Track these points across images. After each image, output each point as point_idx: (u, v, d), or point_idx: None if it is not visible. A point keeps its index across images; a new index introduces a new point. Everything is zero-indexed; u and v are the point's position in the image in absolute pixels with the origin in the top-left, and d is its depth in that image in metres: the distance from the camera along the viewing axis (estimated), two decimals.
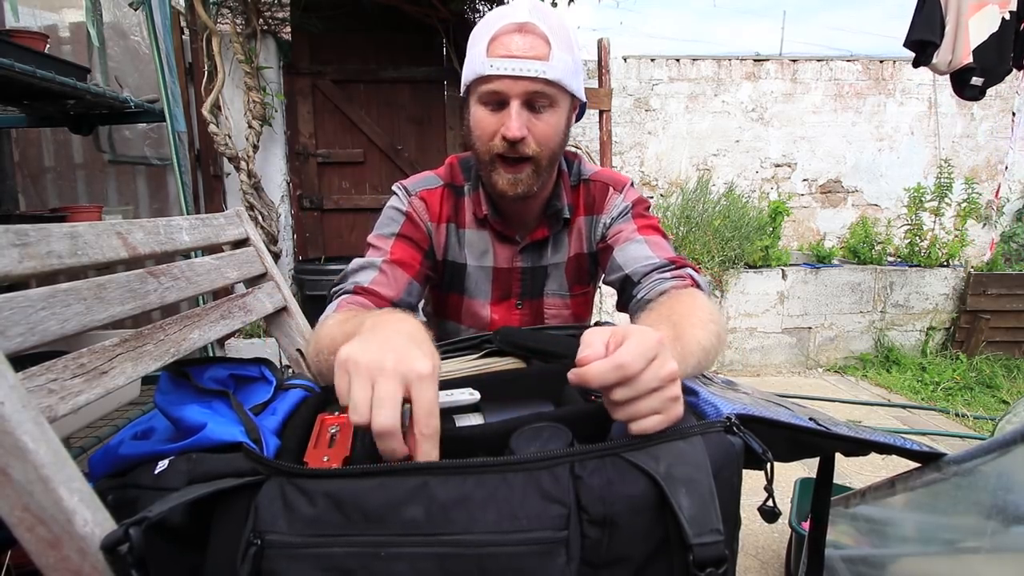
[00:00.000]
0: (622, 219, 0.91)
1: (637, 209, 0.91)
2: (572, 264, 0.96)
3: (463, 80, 0.82)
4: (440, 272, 0.95)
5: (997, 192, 3.42)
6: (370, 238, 0.90)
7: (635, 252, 0.85)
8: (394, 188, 0.93)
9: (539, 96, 0.76)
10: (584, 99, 0.85)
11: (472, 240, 0.93)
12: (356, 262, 0.87)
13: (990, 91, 2.73)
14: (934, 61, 2.61)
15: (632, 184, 0.95)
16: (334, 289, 0.86)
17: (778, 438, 0.49)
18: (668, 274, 0.81)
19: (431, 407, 0.41)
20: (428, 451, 0.41)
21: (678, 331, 0.60)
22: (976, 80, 2.61)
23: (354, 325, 0.64)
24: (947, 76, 2.69)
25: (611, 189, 0.93)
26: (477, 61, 0.76)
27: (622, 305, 0.90)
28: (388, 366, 0.42)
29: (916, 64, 2.69)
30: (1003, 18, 2.55)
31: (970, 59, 2.56)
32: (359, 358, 0.42)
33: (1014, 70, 2.68)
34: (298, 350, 1.03)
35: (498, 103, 0.77)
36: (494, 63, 0.73)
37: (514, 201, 0.83)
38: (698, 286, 0.79)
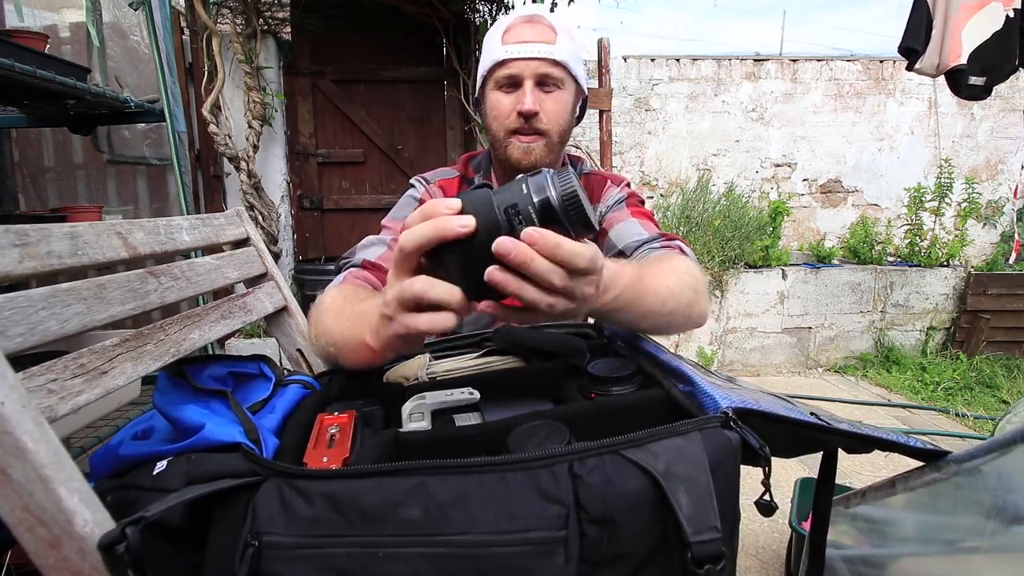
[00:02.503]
0: (616, 207, 0.96)
1: (631, 199, 0.97)
2: None
3: (479, 74, 0.90)
4: None
5: (1016, 192, 3.42)
6: (383, 221, 0.94)
7: (627, 230, 0.90)
8: (412, 180, 0.99)
9: (548, 76, 0.84)
10: (587, 92, 0.92)
11: None
12: (367, 239, 0.89)
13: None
14: (918, 66, 2.61)
15: (628, 183, 1.02)
16: (341, 262, 0.87)
17: (778, 433, 0.49)
18: (657, 244, 0.85)
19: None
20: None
21: (643, 272, 0.62)
22: (976, 80, 2.59)
23: (353, 308, 0.63)
24: (942, 77, 2.68)
25: (609, 182, 1.00)
26: (493, 51, 0.85)
27: None
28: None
29: (909, 68, 2.70)
30: (1007, 16, 2.53)
31: (960, 61, 2.55)
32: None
33: (1021, 69, 2.65)
34: (298, 350, 1.03)
35: (512, 84, 0.85)
36: (508, 48, 0.83)
37: (528, 171, 0.86)
38: (685, 255, 0.83)
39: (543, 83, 0.85)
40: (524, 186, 0.45)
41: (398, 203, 0.97)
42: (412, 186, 0.98)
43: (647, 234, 0.89)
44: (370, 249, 0.87)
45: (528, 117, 0.84)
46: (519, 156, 0.86)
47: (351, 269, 0.84)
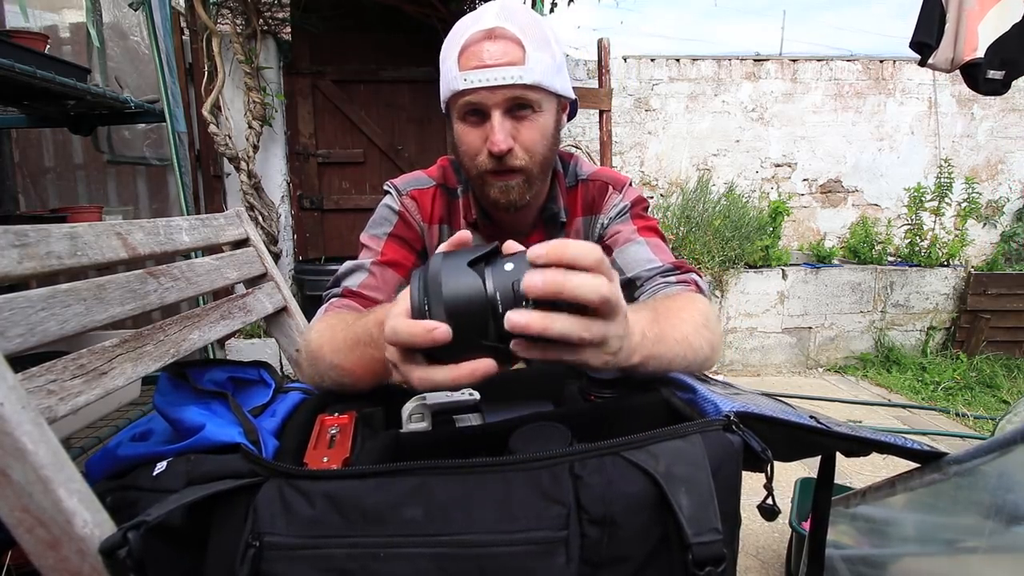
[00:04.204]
0: (620, 219, 0.88)
1: (636, 209, 0.89)
2: None
3: (441, 96, 0.79)
4: None
5: None
6: (363, 238, 0.88)
7: (637, 254, 0.82)
8: (386, 186, 0.91)
9: (520, 103, 0.72)
10: (573, 96, 0.82)
11: None
12: (347, 264, 0.85)
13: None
14: (931, 60, 2.57)
15: (631, 183, 0.92)
16: (325, 293, 0.84)
17: (778, 437, 0.49)
18: (673, 279, 0.78)
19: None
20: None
21: (659, 316, 0.57)
22: (994, 74, 2.53)
23: (345, 332, 0.62)
24: (955, 73, 2.62)
25: (610, 188, 0.90)
26: (450, 76, 0.73)
27: None
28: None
29: (922, 64, 2.66)
30: None
31: (976, 54, 2.50)
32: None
33: None
34: (298, 351, 1.03)
35: (479, 116, 0.74)
36: (467, 76, 0.71)
37: (507, 210, 0.80)
38: (703, 293, 0.78)
39: (514, 111, 0.73)
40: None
41: (375, 215, 0.89)
42: (387, 192, 0.90)
43: (659, 261, 0.81)
44: (351, 277, 0.83)
45: (500, 156, 0.73)
46: (497, 196, 0.77)
47: (332, 300, 0.80)
